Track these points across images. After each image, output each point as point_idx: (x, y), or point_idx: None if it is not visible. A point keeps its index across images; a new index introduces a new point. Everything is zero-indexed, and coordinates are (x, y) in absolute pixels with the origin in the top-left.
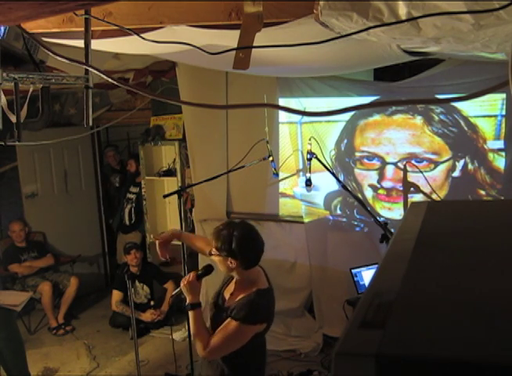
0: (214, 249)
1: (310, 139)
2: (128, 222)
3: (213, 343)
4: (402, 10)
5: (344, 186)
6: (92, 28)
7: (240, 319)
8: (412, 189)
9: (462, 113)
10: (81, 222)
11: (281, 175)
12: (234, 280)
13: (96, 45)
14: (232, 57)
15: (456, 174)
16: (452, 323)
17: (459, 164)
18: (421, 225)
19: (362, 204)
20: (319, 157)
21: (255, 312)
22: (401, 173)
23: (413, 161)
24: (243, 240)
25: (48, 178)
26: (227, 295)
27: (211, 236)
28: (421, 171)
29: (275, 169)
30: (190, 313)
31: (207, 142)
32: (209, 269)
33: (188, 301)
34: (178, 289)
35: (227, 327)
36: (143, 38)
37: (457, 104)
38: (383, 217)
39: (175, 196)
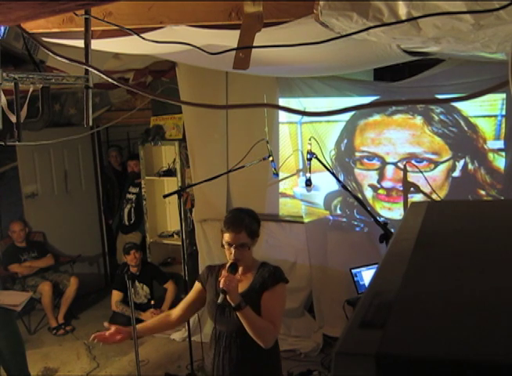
0: (247, 240)
1: (310, 139)
2: (127, 222)
3: (274, 320)
4: (402, 10)
5: (344, 186)
6: (92, 28)
7: (278, 280)
8: (412, 189)
9: (462, 113)
10: (81, 222)
11: (281, 175)
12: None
13: (96, 45)
14: (232, 57)
15: (456, 174)
16: (452, 323)
17: (459, 164)
18: (421, 225)
19: (362, 204)
20: (319, 157)
21: (281, 272)
22: (401, 173)
23: (413, 161)
24: (256, 214)
25: (48, 178)
26: None
27: (230, 233)
28: (421, 171)
29: (275, 169)
30: (242, 313)
31: (207, 142)
32: (236, 265)
33: (234, 303)
34: (221, 296)
35: (274, 297)
36: (143, 38)
37: (457, 104)
38: (383, 217)
39: (175, 196)
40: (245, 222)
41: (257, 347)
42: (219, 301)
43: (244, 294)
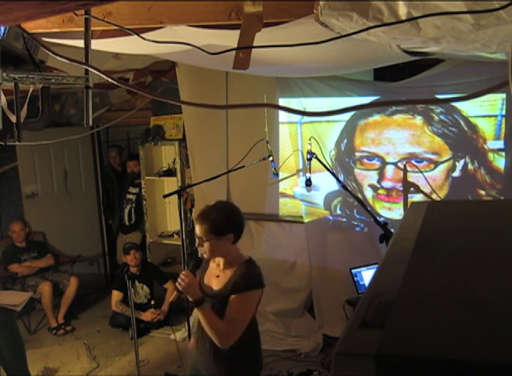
0: (206, 234)
1: (310, 139)
2: (127, 223)
3: (231, 324)
4: (402, 10)
5: (344, 186)
6: (92, 28)
7: (248, 287)
8: (412, 189)
9: (462, 113)
10: (81, 222)
11: (281, 175)
12: (214, 264)
13: (96, 45)
14: (232, 57)
15: (456, 174)
16: (452, 323)
17: (459, 164)
18: (421, 225)
19: (362, 204)
20: (319, 157)
21: (256, 277)
22: (401, 173)
23: (413, 161)
24: (234, 211)
25: (48, 178)
26: (211, 281)
27: (196, 225)
28: (421, 171)
29: (275, 169)
30: (199, 310)
31: (207, 142)
32: (199, 261)
33: (192, 300)
34: (175, 294)
35: (238, 302)
36: (143, 38)
37: (457, 104)
38: (383, 217)
39: (175, 196)
40: (210, 217)
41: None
42: (171, 298)
43: (216, 294)
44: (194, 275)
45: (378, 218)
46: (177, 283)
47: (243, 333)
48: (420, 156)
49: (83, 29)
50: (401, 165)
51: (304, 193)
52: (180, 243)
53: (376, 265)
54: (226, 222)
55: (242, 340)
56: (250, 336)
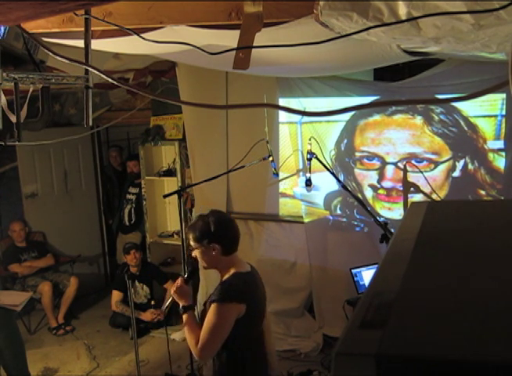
0: (193, 243)
1: (310, 139)
2: (127, 223)
3: (200, 337)
4: (402, 10)
5: (344, 186)
6: (92, 28)
7: (215, 300)
8: (412, 189)
9: (462, 113)
10: (81, 222)
11: (281, 175)
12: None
13: (96, 45)
14: (232, 57)
15: (456, 174)
16: (452, 323)
17: (459, 164)
18: (421, 225)
19: (362, 204)
20: (319, 157)
21: (228, 291)
22: (401, 173)
23: (413, 161)
24: (220, 222)
25: (48, 179)
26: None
27: (187, 233)
28: (421, 171)
29: (275, 169)
30: (184, 316)
31: (207, 142)
32: (194, 270)
33: (181, 306)
34: (170, 299)
35: (208, 315)
36: (143, 38)
37: (457, 104)
38: (383, 217)
39: (175, 196)
40: (196, 225)
41: (224, 354)
42: (166, 304)
43: (204, 303)
44: (186, 282)
45: (378, 218)
46: (171, 289)
47: (235, 355)
48: (420, 156)
49: (83, 29)
50: (401, 165)
51: (304, 193)
52: (180, 243)
53: (376, 265)
54: (210, 231)
55: (238, 362)
56: (244, 359)
